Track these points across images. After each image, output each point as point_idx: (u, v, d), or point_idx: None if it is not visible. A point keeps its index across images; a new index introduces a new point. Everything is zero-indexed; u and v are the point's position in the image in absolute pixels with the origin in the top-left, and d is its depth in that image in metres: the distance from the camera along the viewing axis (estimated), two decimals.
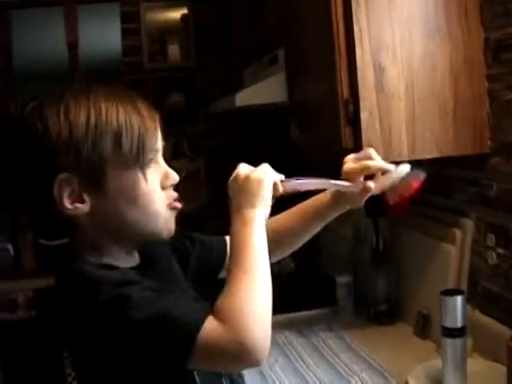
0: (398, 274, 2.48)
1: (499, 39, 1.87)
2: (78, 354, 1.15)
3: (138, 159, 1.17)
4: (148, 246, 1.28)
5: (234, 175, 1.26)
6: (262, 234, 1.18)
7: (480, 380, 1.83)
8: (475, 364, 1.89)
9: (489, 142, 1.95)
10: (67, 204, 1.14)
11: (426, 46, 1.90)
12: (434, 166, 2.20)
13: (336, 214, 1.54)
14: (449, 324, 1.80)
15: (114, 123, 1.14)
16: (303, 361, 2.17)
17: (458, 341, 1.80)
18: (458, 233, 2.13)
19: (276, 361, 2.14)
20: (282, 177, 1.29)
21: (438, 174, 2.24)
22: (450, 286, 2.09)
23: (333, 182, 1.40)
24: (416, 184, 1.44)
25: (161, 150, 1.24)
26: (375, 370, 2.04)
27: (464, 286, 2.09)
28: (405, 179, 1.41)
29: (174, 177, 1.24)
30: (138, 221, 1.19)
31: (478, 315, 2.04)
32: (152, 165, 1.20)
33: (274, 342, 1.21)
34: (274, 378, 2.02)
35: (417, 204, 2.39)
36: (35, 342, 3.70)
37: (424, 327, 2.26)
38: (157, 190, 1.21)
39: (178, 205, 1.25)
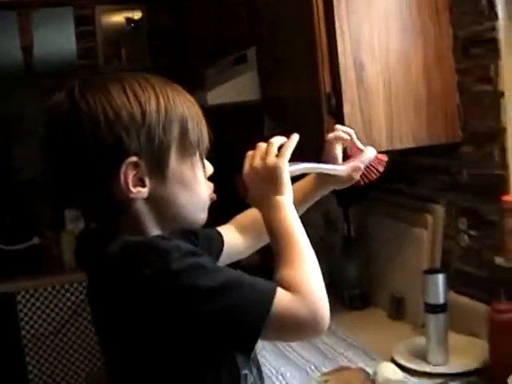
0: (369, 260, 2.62)
1: (468, 36, 2.02)
2: (128, 326, 1.12)
3: (199, 147, 1.20)
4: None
5: (249, 167, 1.29)
6: (296, 215, 1.25)
7: (460, 353, 1.97)
8: (454, 339, 2.02)
9: (459, 131, 2.10)
10: (131, 187, 1.12)
11: (402, 43, 2.03)
12: (405, 155, 2.34)
13: (320, 196, 1.61)
14: (432, 301, 1.94)
15: (180, 109, 1.15)
16: (289, 346, 2.27)
17: (441, 316, 1.94)
18: (429, 218, 2.27)
19: (263, 347, 2.23)
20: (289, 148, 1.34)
21: (407, 162, 2.38)
22: (424, 268, 2.22)
23: (324, 166, 1.49)
24: (382, 165, 1.56)
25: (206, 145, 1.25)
26: (359, 349, 2.17)
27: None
28: (372, 162, 1.53)
29: (211, 168, 1.27)
30: (189, 207, 1.20)
31: (453, 295, 2.18)
32: (202, 158, 1.23)
33: None
34: (264, 362, 2.11)
35: (389, 192, 2.54)
36: None
37: (398, 309, 2.40)
38: (202, 179, 1.23)
39: (215, 196, 1.28)
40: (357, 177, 1.51)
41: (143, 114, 1.11)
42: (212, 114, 3.35)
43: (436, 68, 2.07)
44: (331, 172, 1.50)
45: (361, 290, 2.60)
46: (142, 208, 1.16)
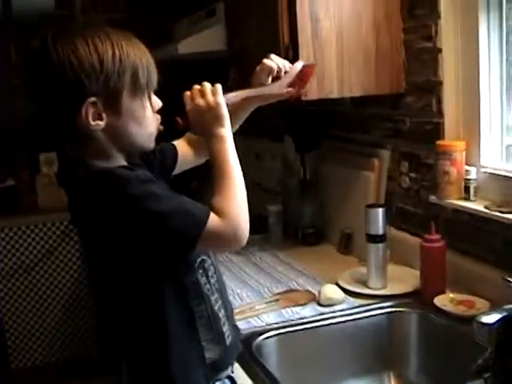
0: (322, 201, 2.87)
1: None
2: (96, 242, 1.44)
3: (148, 88, 1.45)
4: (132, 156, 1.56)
5: (192, 105, 1.52)
6: (233, 146, 1.51)
7: (397, 281, 2.23)
8: (392, 270, 2.28)
9: (404, 83, 2.34)
10: (91, 121, 1.39)
11: (354, 2, 2.26)
12: (355, 106, 2.58)
13: (250, 111, 1.79)
14: (372, 232, 2.19)
15: (132, 58, 1.40)
16: (245, 273, 2.53)
17: (380, 246, 2.19)
18: (375, 161, 2.52)
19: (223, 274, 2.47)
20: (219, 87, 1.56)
21: (358, 113, 2.63)
22: None
23: (259, 89, 1.68)
24: (311, 70, 1.74)
25: (155, 84, 1.49)
26: (308, 276, 2.42)
27: None
28: (301, 71, 1.71)
29: (159, 103, 1.51)
30: (139, 137, 1.47)
31: (393, 231, 2.45)
32: (150, 95, 1.48)
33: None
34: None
35: (341, 140, 2.79)
36: None
37: (347, 244, 2.66)
38: (151, 114, 1.48)
39: (161, 127, 1.53)
40: (283, 90, 1.69)
41: (101, 63, 1.36)
42: (182, 64, 3.56)
43: (385, 26, 2.30)
44: (266, 91, 1.69)
45: (314, 228, 2.86)
46: (102, 138, 1.43)
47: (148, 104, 1.46)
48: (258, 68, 1.69)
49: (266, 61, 1.67)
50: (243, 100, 1.67)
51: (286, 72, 1.69)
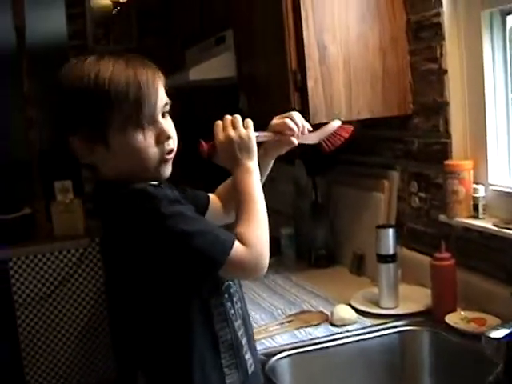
0: (334, 223, 2.90)
1: (418, 21, 2.29)
2: (124, 260, 1.45)
3: (133, 120, 1.39)
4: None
5: (224, 135, 1.52)
6: (259, 180, 1.54)
7: (409, 300, 2.25)
8: (404, 289, 2.30)
9: (411, 105, 2.37)
10: (80, 152, 1.44)
11: (360, 27, 2.30)
12: (365, 128, 2.62)
13: (273, 159, 1.77)
14: (383, 252, 2.21)
15: (114, 91, 1.36)
16: (258, 295, 2.56)
17: (391, 265, 2.21)
18: (385, 183, 2.55)
19: None
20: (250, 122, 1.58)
21: (367, 135, 2.66)
22: None
23: (273, 133, 1.66)
24: (346, 134, 1.76)
25: (160, 109, 1.46)
26: (321, 298, 2.45)
27: None
28: (337, 131, 1.74)
29: (167, 133, 1.46)
30: (142, 171, 1.45)
31: (405, 250, 2.47)
32: (149, 125, 1.43)
33: None
34: None
35: (351, 163, 2.82)
36: None
37: (359, 266, 2.68)
38: (151, 145, 1.44)
39: (169, 157, 1.48)
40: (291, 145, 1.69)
41: (81, 99, 1.39)
42: (193, 91, 3.60)
43: (391, 49, 2.34)
44: (279, 138, 1.66)
45: (326, 250, 2.88)
46: (115, 176, 1.46)
47: (147, 133, 1.42)
48: (272, 123, 1.66)
49: (287, 120, 1.65)
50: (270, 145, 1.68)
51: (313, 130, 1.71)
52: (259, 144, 1.60)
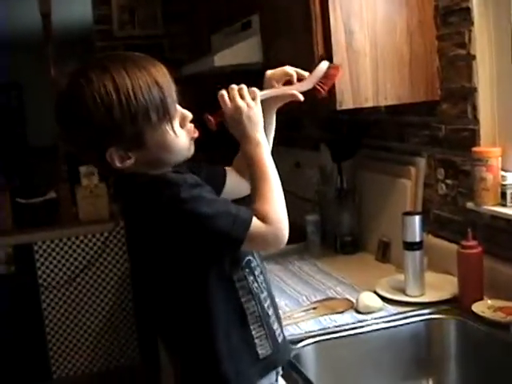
0: (359, 210, 2.88)
1: (447, 5, 2.25)
2: (149, 245, 1.48)
3: (168, 114, 1.45)
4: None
5: (232, 105, 1.52)
6: (269, 152, 1.55)
7: (435, 288, 2.23)
8: (430, 277, 2.28)
9: (438, 90, 2.34)
10: (118, 164, 1.43)
11: (387, 11, 2.27)
12: (391, 114, 2.59)
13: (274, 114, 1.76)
14: (409, 239, 2.19)
15: (142, 100, 1.39)
16: (284, 282, 2.55)
17: (417, 253, 2.20)
18: (412, 169, 2.53)
19: None
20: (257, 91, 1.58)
21: (394, 121, 2.64)
22: None
23: (285, 87, 1.68)
24: (336, 72, 1.74)
25: (176, 100, 1.49)
26: (346, 285, 2.44)
27: None
28: (327, 72, 1.72)
29: (188, 116, 1.52)
30: (174, 155, 1.50)
31: (431, 238, 2.45)
32: (175, 115, 1.48)
33: None
34: None
35: (377, 148, 2.80)
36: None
37: (384, 252, 2.66)
38: (180, 132, 1.50)
39: (195, 135, 1.54)
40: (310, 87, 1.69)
41: (111, 115, 1.39)
42: (218, 76, 3.61)
43: (418, 34, 2.31)
44: (287, 92, 1.67)
45: (352, 237, 2.87)
46: (137, 168, 1.47)
47: (174, 124, 1.48)
48: (268, 73, 1.68)
49: (287, 67, 1.69)
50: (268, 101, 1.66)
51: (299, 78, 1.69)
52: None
